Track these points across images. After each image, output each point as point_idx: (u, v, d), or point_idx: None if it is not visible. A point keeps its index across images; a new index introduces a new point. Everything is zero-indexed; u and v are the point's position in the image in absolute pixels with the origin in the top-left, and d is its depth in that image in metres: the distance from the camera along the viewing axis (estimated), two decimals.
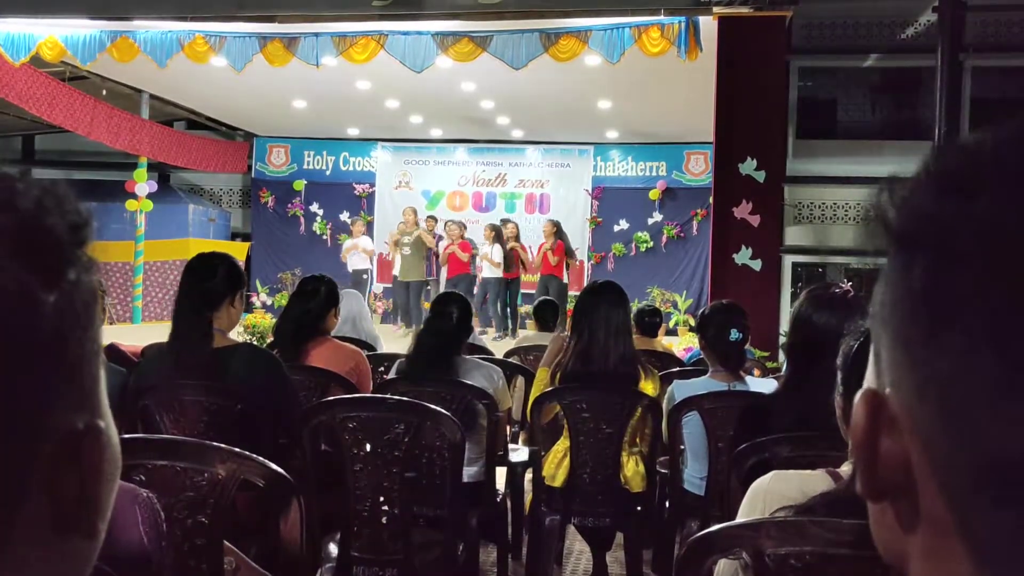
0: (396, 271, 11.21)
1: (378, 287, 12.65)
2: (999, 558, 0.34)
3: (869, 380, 0.41)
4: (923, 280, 0.36)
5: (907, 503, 0.37)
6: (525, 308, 11.32)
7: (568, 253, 11.19)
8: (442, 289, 11.04)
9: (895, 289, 0.38)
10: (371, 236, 13.23)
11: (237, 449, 1.80)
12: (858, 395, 0.40)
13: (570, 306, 9.88)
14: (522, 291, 11.55)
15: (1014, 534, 0.33)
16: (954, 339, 0.34)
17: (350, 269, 11.20)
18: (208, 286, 2.61)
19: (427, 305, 11.60)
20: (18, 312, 0.38)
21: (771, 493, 1.36)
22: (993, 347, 0.33)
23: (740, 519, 1.39)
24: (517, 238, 11.37)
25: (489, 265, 10.95)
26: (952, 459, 0.35)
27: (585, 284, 9.75)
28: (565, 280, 11.18)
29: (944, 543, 0.36)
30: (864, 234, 0.40)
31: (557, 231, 11.21)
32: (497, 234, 11.05)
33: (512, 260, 11.13)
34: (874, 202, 0.40)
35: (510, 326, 11.14)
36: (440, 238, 11.58)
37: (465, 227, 11.66)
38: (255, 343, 4.83)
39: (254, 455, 1.80)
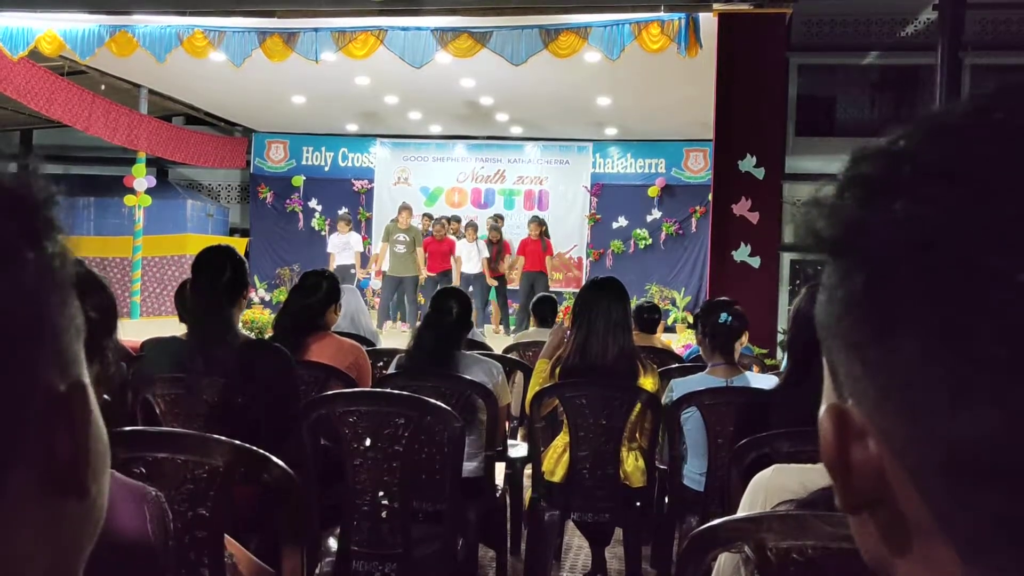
0: (386, 267, 11.18)
1: (376, 283, 12.66)
2: (984, 553, 0.34)
3: (828, 395, 0.41)
4: (864, 289, 0.36)
5: (887, 511, 0.37)
6: (514, 305, 11.39)
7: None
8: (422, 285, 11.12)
9: (837, 299, 0.38)
10: (369, 233, 13.24)
11: (238, 442, 1.80)
12: (821, 412, 0.39)
13: (567, 303, 9.90)
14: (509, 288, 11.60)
15: (995, 528, 0.33)
16: (904, 344, 0.34)
17: (336, 264, 11.18)
18: (226, 280, 2.62)
19: (421, 300, 11.74)
20: (1, 264, 0.38)
21: (772, 487, 1.36)
22: (943, 347, 0.33)
23: (741, 513, 1.39)
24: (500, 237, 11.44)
25: (469, 262, 10.98)
26: (923, 462, 0.35)
27: (583, 281, 9.80)
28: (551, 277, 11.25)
29: (929, 546, 0.36)
30: (800, 246, 0.41)
31: (544, 229, 11.28)
32: (476, 231, 11.10)
33: (499, 258, 11.21)
34: (803, 214, 0.41)
35: (509, 323, 11.17)
36: (429, 234, 11.61)
37: (456, 222, 11.66)
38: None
39: (255, 448, 1.80)
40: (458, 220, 11.83)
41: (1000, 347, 0.32)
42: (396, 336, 9.46)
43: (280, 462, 1.79)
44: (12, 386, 0.39)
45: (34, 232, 0.40)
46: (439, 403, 2.64)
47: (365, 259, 12.09)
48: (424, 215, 12.18)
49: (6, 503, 0.39)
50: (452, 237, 11.32)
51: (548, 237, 11.42)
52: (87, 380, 0.44)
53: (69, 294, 0.43)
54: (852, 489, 0.38)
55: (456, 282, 10.73)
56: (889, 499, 0.37)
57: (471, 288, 10.76)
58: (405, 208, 11.61)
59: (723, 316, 3.13)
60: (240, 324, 2.79)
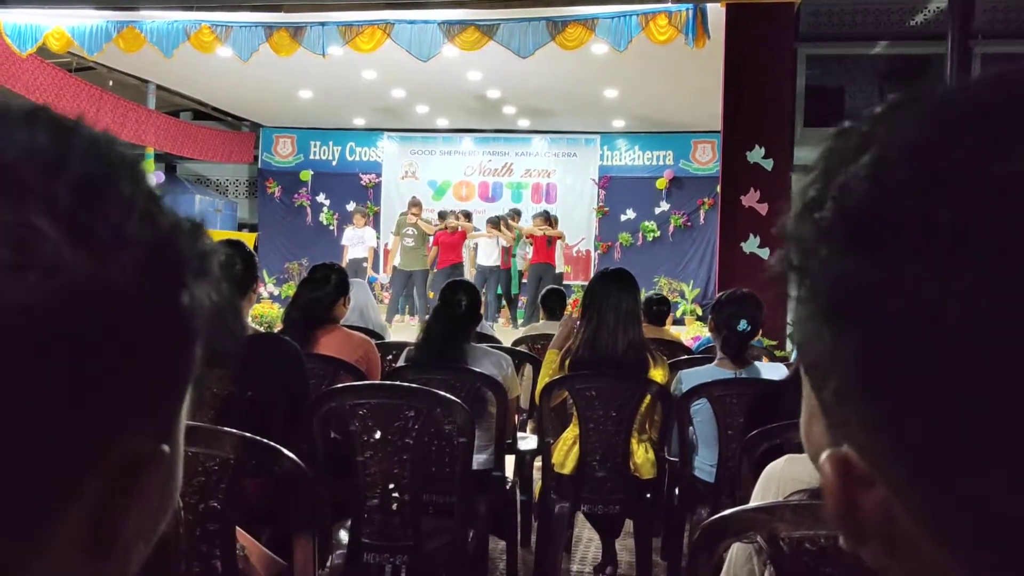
0: (397, 261, 11.24)
1: (384, 277, 12.68)
2: None
3: (816, 417, 0.40)
4: (861, 352, 0.34)
5: (901, 547, 0.36)
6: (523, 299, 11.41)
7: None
8: (431, 279, 11.14)
9: (829, 352, 0.36)
10: (377, 227, 13.26)
11: (248, 434, 1.80)
12: (822, 459, 0.38)
13: (575, 296, 9.89)
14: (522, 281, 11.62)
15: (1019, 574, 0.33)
16: (909, 410, 0.33)
17: (349, 258, 11.27)
18: (235, 273, 2.62)
19: (431, 295, 11.78)
20: (125, 318, 0.37)
21: (785, 477, 1.35)
22: (954, 419, 0.32)
23: (753, 503, 1.39)
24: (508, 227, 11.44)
25: (486, 254, 11.00)
26: (936, 515, 0.34)
27: (592, 274, 9.81)
28: (559, 269, 11.23)
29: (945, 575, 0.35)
30: (783, 293, 0.38)
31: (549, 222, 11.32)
32: (496, 224, 11.10)
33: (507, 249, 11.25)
34: (782, 256, 0.38)
35: (518, 317, 11.19)
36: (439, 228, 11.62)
37: (466, 216, 11.65)
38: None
39: (266, 441, 1.80)
40: (469, 216, 11.80)
41: (1017, 424, 0.31)
42: (405, 330, 9.47)
43: (290, 454, 1.79)
44: (94, 439, 0.37)
45: (175, 288, 0.39)
46: (449, 395, 2.63)
47: (379, 257, 12.15)
48: (439, 214, 12.15)
49: (46, 553, 0.37)
50: (468, 226, 11.34)
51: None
52: (176, 449, 0.42)
53: (190, 346, 0.41)
54: (862, 531, 0.37)
55: (470, 273, 10.75)
56: (901, 537, 0.36)
57: (487, 280, 10.79)
58: (415, 204, 11.65)
59: (742, 324, 3.08)
60: (249, 319, 2.80)
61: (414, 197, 12.10)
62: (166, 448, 0.41)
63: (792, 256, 0.38)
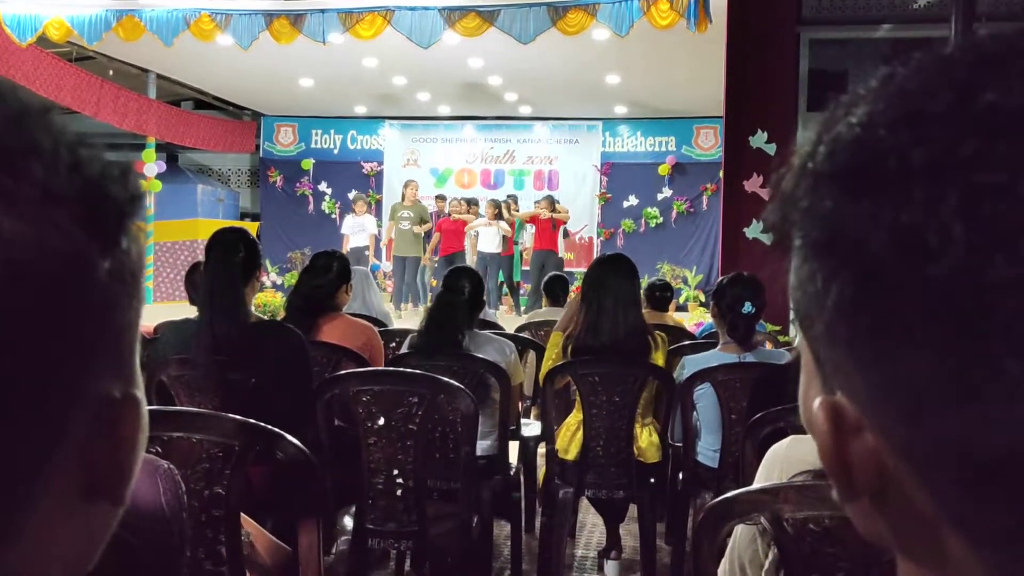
0: (394, 248, 11.22)
1: (387, 266, 12.68)
2: (1000, 543, 0.33)
3: (813, 380, 0.40)
4: (855, 291, 0.35)
5: (891, 500, 0.36)
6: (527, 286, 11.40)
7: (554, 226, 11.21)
8: (433, 267, 11.12)
9: (820, 294, 0.36)
10: (379, 215, 13.25)
11: (252, 420, 1.80)
12: (815, 406, 0.38)
13: (578, 283, 9.88)
14: (523, 268, 11.61)
15: (1011, 520, 0.32)
16: (903, 348, 0.33)
17: (350, 246, 11.25)
18: (239, 260, 2.62)
19: (434, 283, 11.78)
20: (74, 275, 0.37)
21: (789, 458, 1.35)
22: (947, 355, 0.32)
23: (757, 484, 1.39)
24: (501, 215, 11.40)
25: (487, 241, 10.97)
26: (929, 461, 0.34)
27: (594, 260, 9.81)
28: (561, 255, 11.19)
29: (937, 533, 0.35)
30: (775, 243, 0.39)
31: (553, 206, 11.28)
32: (499, 211, 11.07)
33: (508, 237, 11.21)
34: (774, 209, 0.39)
35: (520, 304, 11.18)
36: (438, 214, 11.59)
37: (471, 203, 11.61)
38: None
39: (270, 427, 1.81)
40: (476, 203, 11.77)
41: (1008, 357, 0.31)
42: (412, 317, 9.48)
43: (293, 439, 1.79)
44: (65, 390, 0.38)
45: (112, 238, 0.39)
46: (452, 382, 2.63)
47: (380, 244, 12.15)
48: (437, 197, 12.14)
49: (45, 500, 0.38)
50: (469, 216, 11.30)
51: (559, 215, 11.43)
52: (139, 394, 0.43)
53: (139, 283, 0.42)
54: (853, 483, 0.37)
55: (471, 260, 10.73)
56: (892, 490, 0.36)
57: (487, 268, 10.76)
58: (410, 183, 11.60)
59: (747, 307, 3.07)
60: (253, 307, 2.80)
61: (409, 179, 12.06)
62: (138, 393, 0.42)
63: (786, 204, 0.38)
